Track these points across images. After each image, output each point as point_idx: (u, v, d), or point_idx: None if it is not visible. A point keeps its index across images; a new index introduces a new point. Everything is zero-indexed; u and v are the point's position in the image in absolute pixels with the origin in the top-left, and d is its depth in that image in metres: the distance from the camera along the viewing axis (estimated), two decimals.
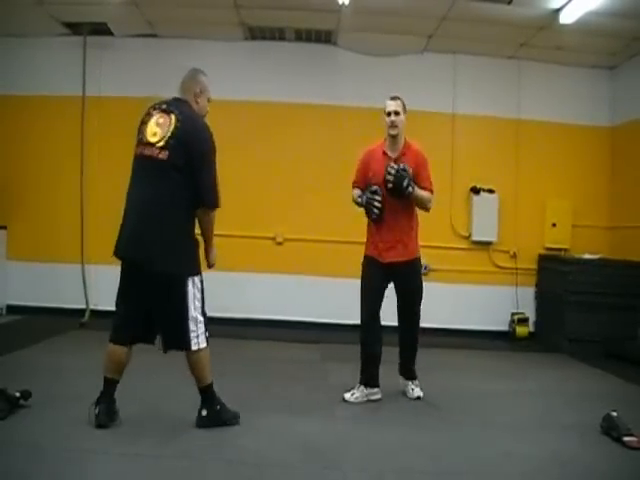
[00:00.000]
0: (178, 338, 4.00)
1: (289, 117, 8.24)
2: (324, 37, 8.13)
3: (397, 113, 4.96)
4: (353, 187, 5.17)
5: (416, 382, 5.19)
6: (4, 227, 8.10)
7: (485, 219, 8.26)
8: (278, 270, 8.14)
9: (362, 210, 4.99)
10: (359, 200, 4.98)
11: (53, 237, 8.11)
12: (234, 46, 8.25)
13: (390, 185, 4.76)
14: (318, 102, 8.19)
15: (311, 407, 4.76)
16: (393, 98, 5.05)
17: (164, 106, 4.06)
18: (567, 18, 6.81)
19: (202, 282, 4.06)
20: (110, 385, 4.05)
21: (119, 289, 4.11)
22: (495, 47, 8.08)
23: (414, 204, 4.99)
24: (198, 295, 4.01)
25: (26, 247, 8.12)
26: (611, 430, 4.27)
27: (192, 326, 3.98)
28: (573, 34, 7.22)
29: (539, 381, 6.07)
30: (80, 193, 8.03)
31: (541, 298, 8.28)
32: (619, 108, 8.28)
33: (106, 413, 3.98)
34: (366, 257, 5.08)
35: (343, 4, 6.69)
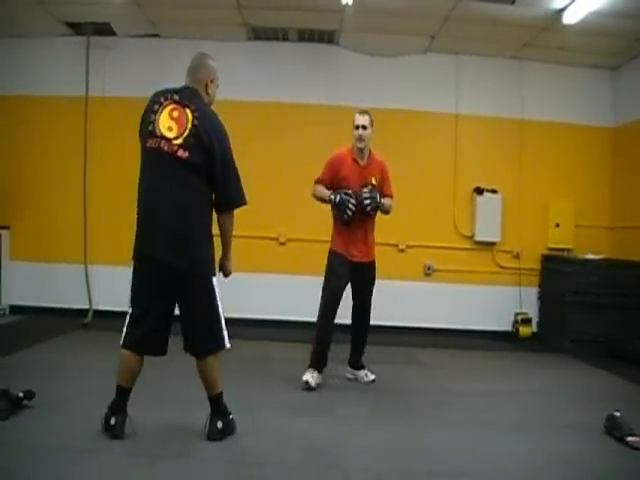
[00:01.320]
0: (210, 338, 3.89)
1: (292, 117, 8.23)
2: (327, 37, 8.13)
3: (364, 127, 5.36)
4: (316, 183, 5.51)
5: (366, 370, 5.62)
6: (7, 227, 8.10)
7: (488, 219, 8.25)
8: (281, 270, 8.14)
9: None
10: (331, 197, 5.31)
11: (56, 237, 8.12)
12: (237, 46, 8.25)
13: (369, 207, 5.24)
14: (321, 102, 8.18)
15: (312, 407, 4.76)
16: (362, 113, 5.44)
17: (176, 97, 3.89)
18: (570, 18, 6.80)
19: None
20: (124, 394, 3.88)
21: (138, 290, 4.00)
22: (498, 47, 8.07)
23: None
24: (219, 295, 3.93)
25: (29, 247, 8.13)
26: (614, 430, 4.26)
27: (220, 325, 3.93)
28: (576, 34, 7.21)
29: (542, 381, 6.06)
30: (83, 193, 8.03)
31: (544, 298, 8.26)
32: (622, 108, 8.26)
33: (122, 424, 3.83)
34: (334, 252, 5.41)
35: (346, 4, 6.69)
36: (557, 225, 8.30)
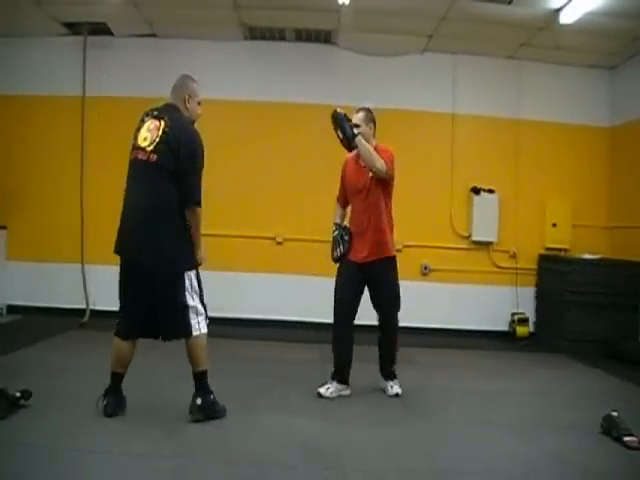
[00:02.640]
0: (179, 328, 4.19)
1: (289, 117, 8.23)
2: (324, 37, 8.12)
3: (357, 125, 5.09)
4: (337, 201, 5.44)
5: (395, 381, 5.29)
6: (4, 227, 8.09)
7: (485, 219, 8.26)
8: (278, 270, 8.14)
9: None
10: (333, 228, 5.27)
11: (53, 237, 8.11)
12: (234, 46, 8.24)
13: (337, 128, 4.96)
14: (318, 102, 8.15)
15: (311, 407, 4.76)
16: (357, 110, 5.24)
17: (155, 112, 4.27)
18: (567, 18, 6.81)
19: (198, 275, 4.28)
20: (116, 379, 4.26)
21: (120, 284, 4.31)
22: (495, 47, 8.08)
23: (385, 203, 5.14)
24: (195, 287, 4.23)
25: (26, 247, 8.11)
26: (611, 430, 4.27)
27: (192, 315, 4.19)
28: (573, 34, 7.22)
29: (539, 381, 6.07)
30: (80, 193, 8.03)
31: (541, 298, 8.27)
32: (619, 108, 8.27)
33: (114, 403, 4.22)
34: (344, 258, 5.22)
35: (343, 4, 6.69)
36: (554, 225, 8.31)
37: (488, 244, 8.36)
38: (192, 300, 4.20)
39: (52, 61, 8.18)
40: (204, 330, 4.25)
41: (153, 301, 4.20)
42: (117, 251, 4.27)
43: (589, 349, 7.22)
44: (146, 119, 4.29)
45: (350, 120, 4.98)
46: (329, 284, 8.01)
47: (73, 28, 8.02)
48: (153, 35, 8.19)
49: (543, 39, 7.60)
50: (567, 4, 6.61)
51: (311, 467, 3.59)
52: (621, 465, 3.87)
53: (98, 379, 5.01)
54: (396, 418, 4.66)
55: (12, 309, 8.08)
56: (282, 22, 7.76)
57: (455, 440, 4.21)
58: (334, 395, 5.05)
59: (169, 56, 8.16)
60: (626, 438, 4.12)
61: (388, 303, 5.20)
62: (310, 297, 8.07)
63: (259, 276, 8.08)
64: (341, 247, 5.12)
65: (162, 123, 4.18)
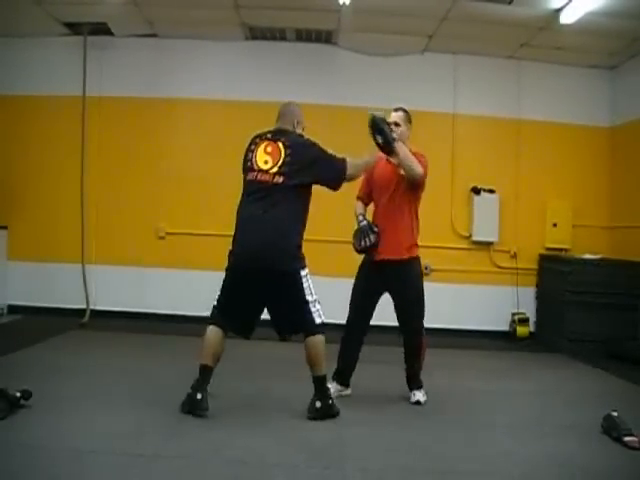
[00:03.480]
0: (302, 320, 4.48)
1: None
2: (324, 37, 8.12)
3: (397, 124, 5.00)
4: (357, 199, 5.27)
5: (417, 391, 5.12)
6: (5, 227, 8.09)
7: (486, 219, 8.26)
8: None
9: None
10: (358, 219, 5.09)
11: (54, 237, 8.11)
12: (234, 46, 8.25)
13: (378, 135, 4.83)
14: (318, 102, 8.16)
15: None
16: (396, 109, 5.12)
17: (269, 135, 4.60)
18: (567, 18, 6.80)
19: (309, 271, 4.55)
20: (206, 372, 4.33)
21: (225, 291, 4.51)
22: (495, 47, 8.08)
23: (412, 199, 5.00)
24: (311, 283, 4.51)
25: (27, 247, 8.12)
26: (611, 430, 4.26)
27: (311, 307, 4.48)
28: (573, 34, 7.22)
29: (539, 381, 6.07)
30: (80, 193, 8.03)
31: (542, 298, 8.27)
32: (619, 108, 8.27)
33: (207, 400, 4.27)
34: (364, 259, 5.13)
35: (344, 4, 6.69)
36: (555, 225, 8.31)
37: (489, 244, 8.36)
38: (310, 295, 4.48)
39: (52, 61, 8.18)
40: (323, 317, 4.52)
41: (277, 301, 4.50)
42: (239, 264, 4.47)
43: (589, 349, 7.22)
44: (259, 142, 4.58)
45: (389, 123, 4.90)
46: (328, 284, 8.05)
47: (73, 28, 8.02)
48: (154, 35, 8.20)
49: (544, 39, 7.60)
50: (567, 4, 6.61)
51: (311, 467, 3.58)
52: (621, 465, 3.86)
53: (99, 379, 5.04)
54: (396, 418, 4.66)
55: (12, 309, 8.09)
56: (283, 22, 7.76)
57: (455, 440, 4.20)
58: (334, 395, 4.99)
59: (170, 56, 8.18)
60: (626, 438, 4.11)
61: (410, 309, 5.00)
62: None
63: None
64: (371, 237, 4.91)
65: (280, 145, 4.49)
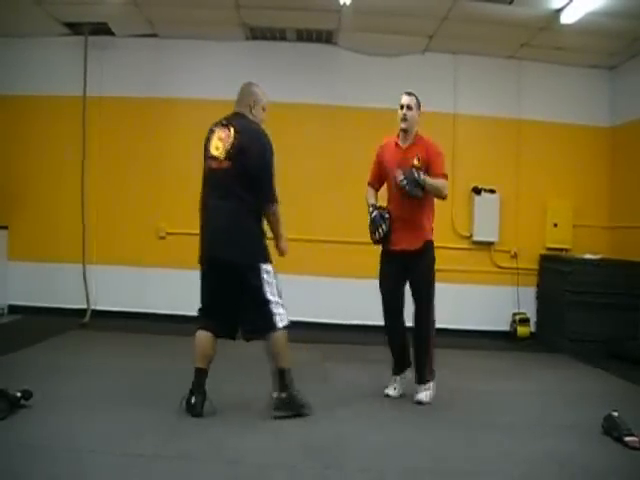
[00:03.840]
0: (262, 321, 4.35)
1: (289, 117, 8.21)
2: (325, 37, 8.12)
3: (409, 107, 5.04)
4: (368, 185, 5.28)
5: (426, 386, 5.10)
6: (5, 227, 8.09)
7: (486, 219, 8.26)
8: (278, 270, 8.09)
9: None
10: (369, 210, 5.09)
11: (54, 237, 8.11)
12: (235, 46, 8.25)
13: (407, 187, 4.81)
14: (318, 102, 8.18)
15: (312, 407, 4.75)
16: (408, 93, 5.16)
17: (224, 121, 4.50)
18: (568, 18, 6.80)
19: (274, 269, 4.50)
20: (200, 375, 4.35)
21: (202, 289, 4.55)
22: (496, 47, 8.07)
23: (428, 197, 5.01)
24: (273, 281, 4.43)
25: (27, 247, 8.12)
26: (612, 430, 4.25)
27: (273, 308, 4.37)
28: (574, 34, 7.22)
29: (540, 381, 6.07)
30: (81, 193, 8.04)
31: (542, 298, 8.27)
32: (619, 108, 8.27)
33: (201, 404, 4.29)
34: (382, 250, 5.17)
35: (344, 4, 6.69)
36: (555, 225, 8.30)
37: (489, 244, 8.36)
38: (271, 295, 4.38)
39: (53, 61, 8.19)
40: (285, 321, 4.40)
41: (236, 297, 4.39)
42: (203, 258, 4.50)
43: (590, 349, 7.21)
44: (215, 129, 4.49)
45: (418, 169, 4.86)
46: (329, 284, 8.09)
47: (74, 28, 8.03)
48: (154, 35, 8.20)
49: (544, 39, 7.60)
50: (568, 4, 6.60)
51: (312, 467, 3.58)
52: (622, 465, 3.85)
53: (99, 379, 5.04)
54: (397, 418, 4.66)
55: (13, 309, 8.09)
56: (283, 22, 7.76)
57: (456, 440, 4.20)
58: (400, 392, 5.09)
59: (170, 56, 8.17)
60: (627, 438, 4.10)
61: (421, 290, 5.08)
62: (310, 297, 8.07)
63: None
64: (383, 226, 4.97)
65: (231, 130, 4.39)
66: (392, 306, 5.09)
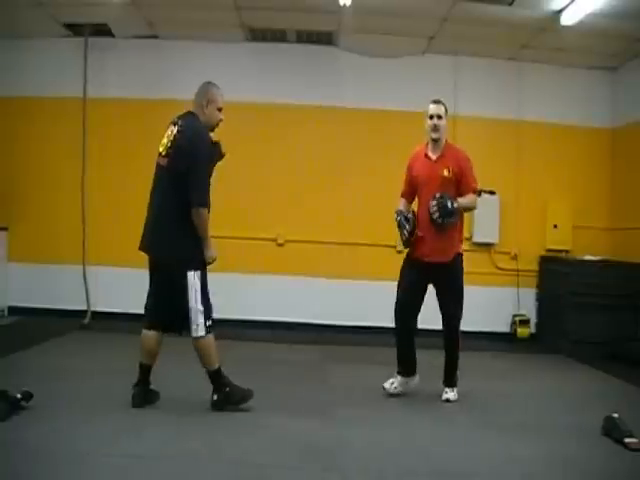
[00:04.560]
0: (184, 325, 4.39)
1: (290, 118, 8.23)
2: (325, 38, 8.13)
3: (440, 117, 5.01)
4: (401, 197, 5.26)
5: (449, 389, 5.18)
6: (5, 228, 8.09)
7: (486, 221, 8.25)
8: (279, 271, 8.14)
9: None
10: (395, 216, 5.09)
11: (54, 238, 8.11)
12: (235, 47, 8.25)
13: (440, 219, 4.84)
14: (319, 103, 8.19)
15: (311, 408, 4.76)
16: (436, 102, 5.10)
17: (175, 119, 4.54)
18: (568, 20, 6.80)
19: (204, 276, 4.41)
20: (143, 370, 4.49)
21: (149, 278, 4.57)
22: (496, 48, 8.07)
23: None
24: (198, 287, 4.34)
25: (27, 248, 8.12)
26: (612, 431, 4.25)
27: (194, 316, 4.33)
28: (574, 36, 7.21)
29: (540, 382, 6.07)
30: (81, 194, 8.04)
31: (542, 299, 8.27)
32: (620, 109, 8.27)
33: (140, 395, 4.44)
34: (406, 255, 5.18)
35: (344, 5, 6.69)
36: (555, 226, 8.30)
37: (489, 245, 8.36)
38: (194, 302, 4.33)
39: (53, 62, 8.19)
40: (201, 333, 4.35)
41: (166, 296, 4.43)
42: (140, 247, 4.51)
43: (590, 350, 7.21)
44: (169, 125, 4.54)
45: (451, 200, 4.85)
46: (330, 286, 8.09)
47: (74, 29, 8.03)
48: (154, 36, 8.20)
49: (544, 41, 7.61)
50: (568, 5, 6.61)
51: (311, 467, 3.58)
52: (622, 467, 3.85)
53: (99, 380, 5.04)
54: (396, 418, 4.66)
55: (13, 310, 8.09)
56: (283, 23, 7.77)
57: (455, 441, 4.20)
58: (397, 390, 5.09)
59: (170, 57, 8.17)
60: (627, 439, 4.11)
61: (453, 304, 5.11)
62: (311, 298, 8.08)
63: (260, 277, 8.08)
64: (407, 227, 4.97)
65: (175, 128, 4.43)
66: (406, 312, 5.10)
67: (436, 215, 4.81)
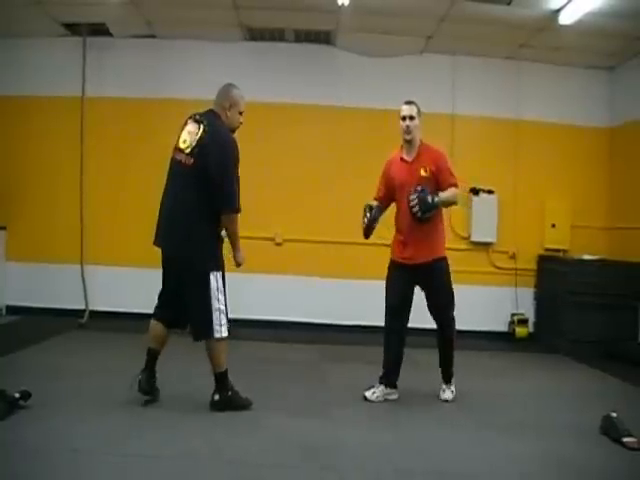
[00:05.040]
0: (203, 327, 4.37)
1: (288, 118, 8.23)
2: (323, 38, 8.12)
3: (412, 118, 4.98)
4: (374, 200, 5.21)
5: (449, 385, 5.21)
6: (3, 228, 8.09)
7: (484, 220, 8.26)
8: (277, 271, 8.13)
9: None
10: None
11: (52, 238, 8.10)
12: (233, 47, 8.24)
13: (419, 213, 4.78)
14: (317, 103, 8.18)
15: (310, 408, 4.76)
16: (407, 102, 5.06)
17: (197, 116, 4.49)
18: (566, 19, 6.80)
19: (224, 278, 4.47)
20: (151, 356, 4.52)
21: (162, 273, 4.61)
22: (494, 48, 8.07)
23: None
24: (221, 289, 4.42)
25: (25, 248, 8.11)
26: (610, 431, 4.27)
27: (215, 317, 4.36)
28: (572, 35, 7.21)
29: (538, 382, 6.08)
30: (79, 194, 8.03)
31: (540, 299, 8.27)
32: (618, 109, 8.27)
33: (147, 382, 4.47)
34: (390, 260, 5.14)
35: (342, 5, 6.69)
36: (553, 226, 8.31)
37: (487, 245, 8.36)
38: (217, 302, 4.39)
39: (51, 62, 8.17)
40: (225, 334, 4.41)
41: (183, 296, 4.44)
42: (156, 243, 4.54)
43: (588, 350, 7.21)
44: (189, 122, 4.49)
45: (432, 195, 4.81)
46: (328, 285, 8.09)
47: (72, 29, 8.02)
48: (152, 36, 8.19)
49: (543, 40, 7.60)
50: (566, 5, 6.61)
51: (310, 467, 3.59)
52: (620, 466, 3.87)
53: (97, 380, 5.03)
54: (395, 418, 4.67)
55: (11, 310, 8.08)
56: (281, 23, 7.76)
57: (454, 440, 4.21)
58: (380, 399, 5.01)
59: (168, 57, 8.17)
60: (625, 439, 4.12)
61: (442, 305, 5.07)
62: (309, 298, 8.09)
63: (258, 277, 8.05)
64: (368, 215, 4.99)
65: (201, 128, 4.38)
66: (393, 322, 5.06)
67: (416, 209, 4.77)
